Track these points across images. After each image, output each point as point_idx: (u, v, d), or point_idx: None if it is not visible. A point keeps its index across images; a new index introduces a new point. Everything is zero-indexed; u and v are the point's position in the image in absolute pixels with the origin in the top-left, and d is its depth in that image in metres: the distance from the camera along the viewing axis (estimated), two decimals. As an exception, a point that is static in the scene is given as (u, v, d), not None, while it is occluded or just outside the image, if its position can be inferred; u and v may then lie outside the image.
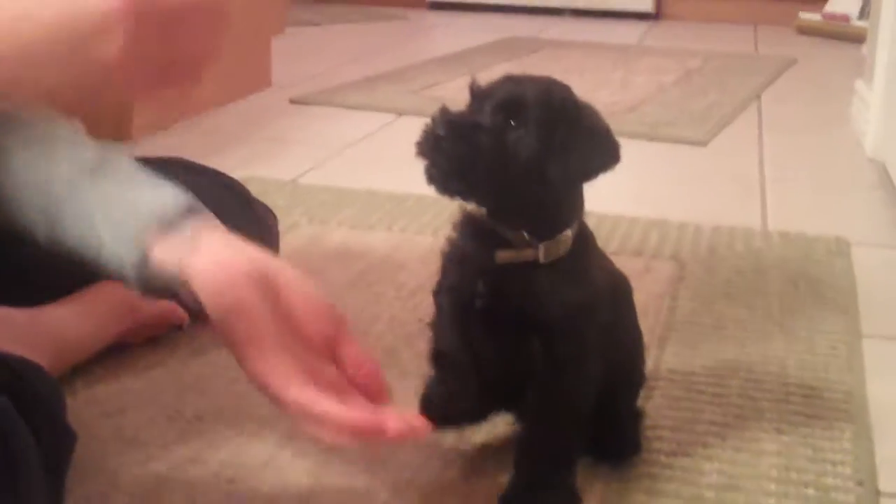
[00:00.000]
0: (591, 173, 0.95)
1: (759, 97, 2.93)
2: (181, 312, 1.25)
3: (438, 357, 0.98)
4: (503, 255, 0.93)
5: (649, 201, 1.95)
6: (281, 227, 1.48)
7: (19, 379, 0.89)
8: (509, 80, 0.94)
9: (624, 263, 1.56)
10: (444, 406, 0.96)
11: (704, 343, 1.32)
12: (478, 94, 0.93)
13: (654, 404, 1.16)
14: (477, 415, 1.03)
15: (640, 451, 1.05)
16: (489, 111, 0.91)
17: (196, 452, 1.05)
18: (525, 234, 0.92)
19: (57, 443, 0.88)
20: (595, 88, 2.95)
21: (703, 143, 2.40)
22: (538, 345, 0.92)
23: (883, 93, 2.25)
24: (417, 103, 2.64)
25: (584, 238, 0.98)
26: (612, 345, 0.97)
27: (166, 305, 1.23)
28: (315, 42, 3.83)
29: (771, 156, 2.31)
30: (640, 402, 1.15)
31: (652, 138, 2.43)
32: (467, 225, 0.97)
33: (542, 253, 0.92)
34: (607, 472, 1.02)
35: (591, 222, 1.76)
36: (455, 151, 0.90)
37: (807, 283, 1.53)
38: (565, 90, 0.95)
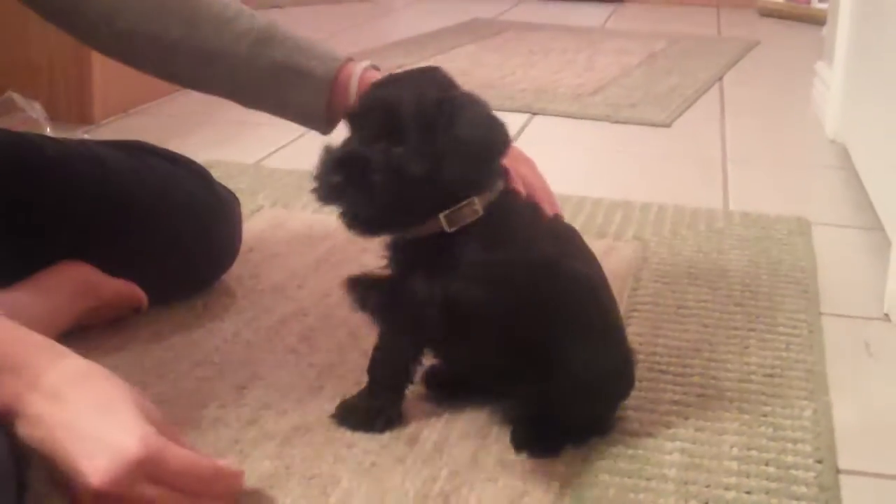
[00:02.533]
0: (485, 162, 0.97)
1: (721, 79, 2.94)
2: (140, 294, 1.24)
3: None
4: (412, 231, 0.98)
5: (612, 183, 1.95)
6: (244, 211, 1.47)
7: None
8: (380, 89, 0.98)
9: (587, 244, 1.58)
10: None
11: (667, 323, 1.32)
12: (354, 119, 0.97)
13: (617, 384, 1.16)
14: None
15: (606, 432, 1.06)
16: (368, 138, 0.94)
17: (159, 437, 1.04)
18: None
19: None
20: (559, 70, 2.96)
21: (665, 125, 2.41)
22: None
23: (843, 74, 2.26)
24: (381, 86, 2.63)
25: (503, 208, 0.99)
26: (531, 318, 0.98)
27: (125, 286, 1.23)
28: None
29: (733, 137, 2.33)
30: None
31: (615, 120, 2.43)
32: None
33: (444, 223, 0.96)
34: (570, 453, 1.02)
35: (554, 204, 1.76)
36: (357, 198, 0.94)
37: (768, 262, 1.54)
38: (439, 85, 0.97)
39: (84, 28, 1.15)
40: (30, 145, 1.23)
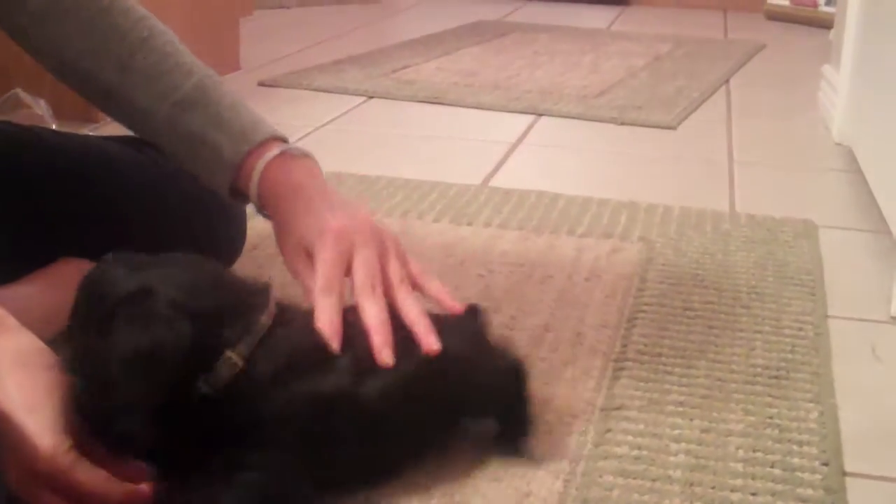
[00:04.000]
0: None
1: (727, 82, 2.94)
2: None
3: None
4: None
5: (618, 184, 1.95)
6: (248, 209, 1.47)
7: None
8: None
9: (593, 245, 1.58)
10: None
11: (672, 324, 1.32)
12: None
13: (622, 385, 1.16)
14: None
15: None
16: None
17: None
18: None
19: None
20: (565, 72, 2.95)
21: (671, 127, 2.41)
22: None
23: (849, 78, 2.25)
24: (387, 86, 2.64)
25: (273, 349, 0.88)
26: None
27: None
28: (284, 24, 3.81)
29: (739, 140, 2.32)
30: (608, 382, 1.16)
31: (621, 122, 2.43)
32: None
33: (205, 388, 0.85)
34: (574, 453, 1.02)
35: (559, 204, 1.77)
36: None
37: (774, 264, 1.54)
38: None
39: (35, 52, 1.12)
40: (33, 138, 1.22)
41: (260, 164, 1.06)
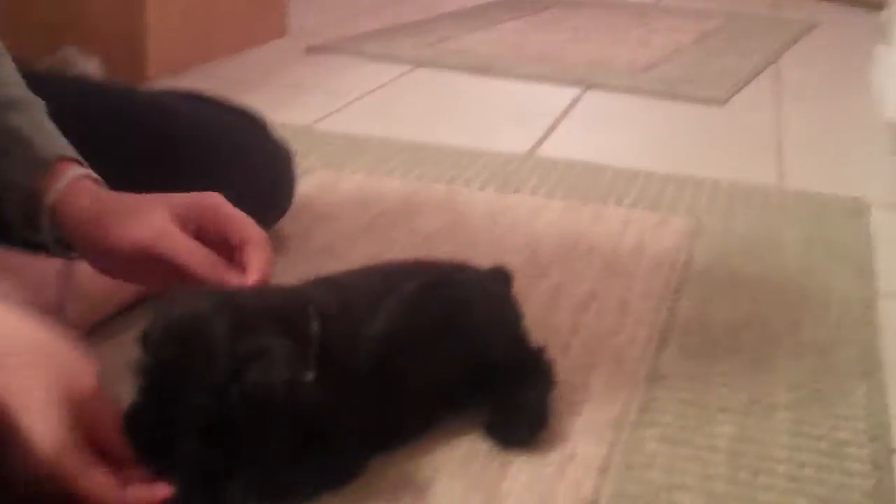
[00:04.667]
0: None
1: (778, 60, 2.91)
2: None
3: None
4: None
5: (665, 158, 1.93)
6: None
7: None
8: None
9: (639, 217, 1.58)
10: None
11: (719, 297, 1.31)
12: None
13: (667, 355, 1.15)
14: None
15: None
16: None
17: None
18: None
19: None
20: (612, 45, 2.93)
21: (720, 103, 2.39)
22: None
23: (904, 57, 2.22)
24: (434, 55, 2.63)
25: None
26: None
27: None
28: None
29: (789, 117, 2.30)
30: (653, 351, 1.15)
31: (669, 97, 2.41)
32: None
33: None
34: (618, 419, 1.01)
35: (606, 176, 1.76)
36: None
37: (823, 242, 1.52)
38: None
39: None
40: (92, 87, 1.23)
41: (74, 171, 0.96)
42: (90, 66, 2.01)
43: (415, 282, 0.97)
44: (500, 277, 1.07)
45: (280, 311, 0.86)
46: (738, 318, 1.25)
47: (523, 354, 1.03)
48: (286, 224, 1.40)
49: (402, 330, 0.92)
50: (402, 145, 1.88)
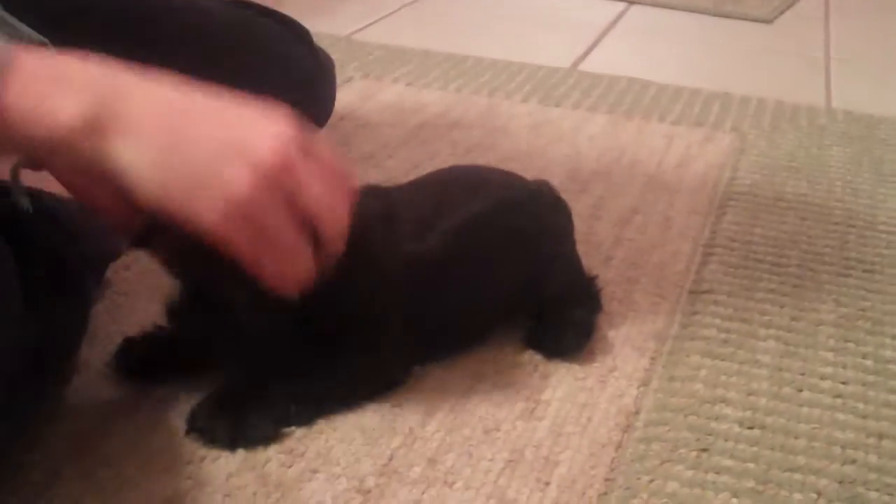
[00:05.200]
0: None
1: (826, -22, 2.84)
2: None
3: None
4: None
5: (711, 75, 1.90)
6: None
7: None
8: None
9: (684, 133, 1.55)
10: None
11: (764, 214, 1.29)
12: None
13: (711, 270, 1.13)
14: None
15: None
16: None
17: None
18: None
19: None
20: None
21: (767, 21, 2.33)
22: None
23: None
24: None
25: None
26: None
27: None
28: None
29: (837, 36, 2.24)
30: (697, 266, 1.14)
31: (716, 13, 2.36)
32: None
33: None
34: (660, 332, 1.00)
35: (650, 91, 1.73)
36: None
37: (870, 161, 1.49)
38: None
39: None
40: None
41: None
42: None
43: (487, 200, 0.95)
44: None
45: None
46: (782, 236, 1.23)
47: (577, 284, 1.01)
48: (326, 133, 1.39)
49: (465, 248, 0.91)
50: (442, 57, 1.85)
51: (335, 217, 0.73)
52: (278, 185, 0.68)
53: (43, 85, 0.64)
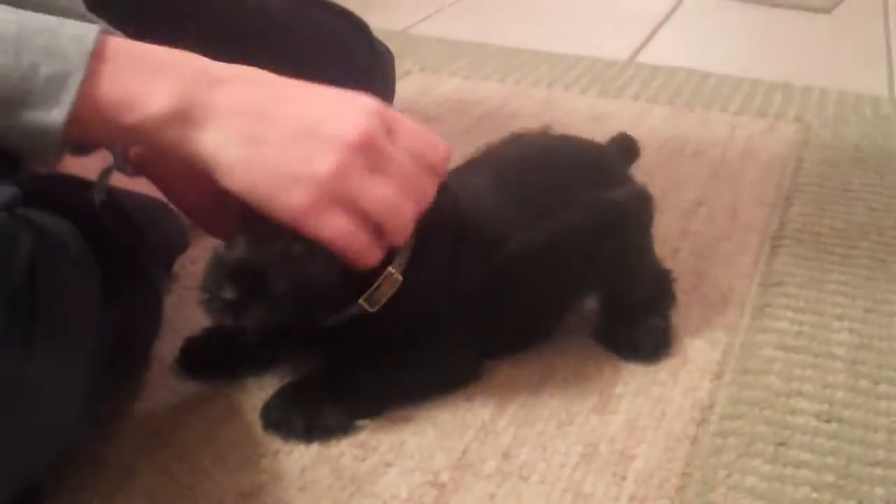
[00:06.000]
0: None
1: (885, -33, 2.80)
2: None
3: None
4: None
5: (771, 65, 1.87)
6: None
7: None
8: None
9: (747, 123, 1.53)
10: None
11: (832, 205, 1.27)
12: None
13: (780, 261, 1.12)
14: None
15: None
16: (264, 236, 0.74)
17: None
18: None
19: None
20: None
21: (826, 11, 2.30)
22: None
23: None
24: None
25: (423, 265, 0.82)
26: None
27: None
28: None
29: (898, 25, 2.21)
30: (766, 258, 1.12)
31: (774, 4, 2.33)
32: None
33: (366, 306, 0.80)
34: (732, 324, 0.99)
35: (710, 82, 1.71)
36: (258, 313, 0.75)
37: (939, 151, 1.47)
38: None
39: None
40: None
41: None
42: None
43: (575, 204, 0.90)
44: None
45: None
46: (852, 227, 1.21)
47: (654, 284, 0.99)
48: (386, 126, 1.38)
49: (548, 253, 0.88)
50: (499, 49, 1.85)
51: (400, 215, 0.73)
52: (364, 160, 0.69)
53: (133, 73, 0.64)
